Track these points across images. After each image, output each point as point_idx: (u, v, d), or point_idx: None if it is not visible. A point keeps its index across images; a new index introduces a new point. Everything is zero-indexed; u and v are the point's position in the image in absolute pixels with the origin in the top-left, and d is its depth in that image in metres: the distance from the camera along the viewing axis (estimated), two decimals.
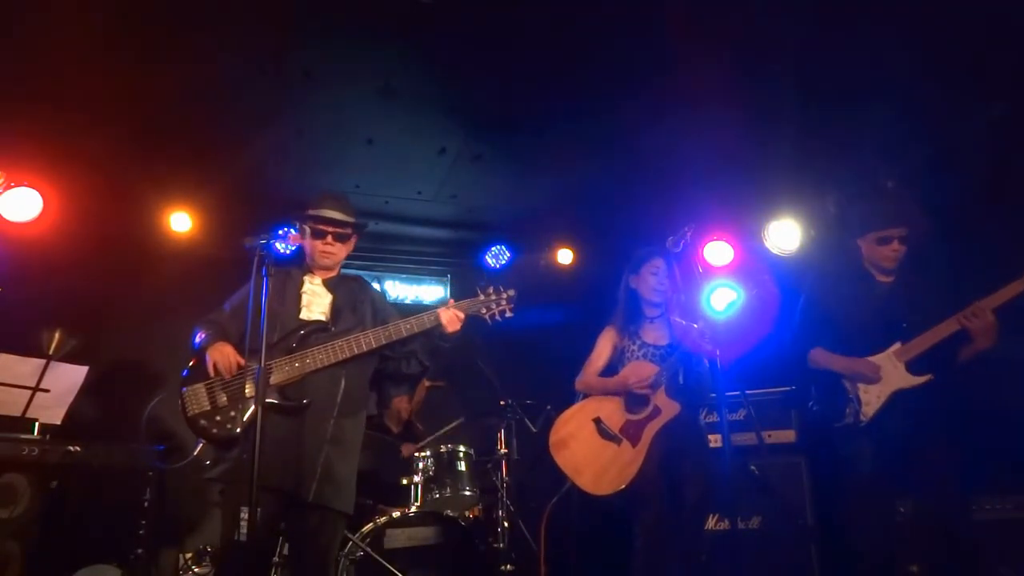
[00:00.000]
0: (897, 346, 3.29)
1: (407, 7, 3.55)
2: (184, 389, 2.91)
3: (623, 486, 3.38)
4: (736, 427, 4.37)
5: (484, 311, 3.11)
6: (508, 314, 3.12)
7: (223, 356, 2.88)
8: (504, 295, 3.13)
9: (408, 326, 3.00)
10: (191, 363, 2.97)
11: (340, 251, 3.18)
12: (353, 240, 3.25)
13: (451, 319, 3.03)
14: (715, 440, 4.55)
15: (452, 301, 3.11)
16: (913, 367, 3.25)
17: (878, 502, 3.27)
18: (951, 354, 3.23)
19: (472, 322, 3.12)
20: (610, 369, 3.70)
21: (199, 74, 4.05)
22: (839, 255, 3.71)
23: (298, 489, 2.80)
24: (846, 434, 3.33)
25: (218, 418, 2.86)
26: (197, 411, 2.88)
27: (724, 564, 4.14)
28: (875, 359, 3.31)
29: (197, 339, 3.00)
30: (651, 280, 3.66)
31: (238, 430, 2.82)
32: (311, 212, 3.13)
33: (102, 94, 4.09)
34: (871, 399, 3.27)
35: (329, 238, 3.13)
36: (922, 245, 3.45)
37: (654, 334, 3.66)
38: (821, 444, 3.60)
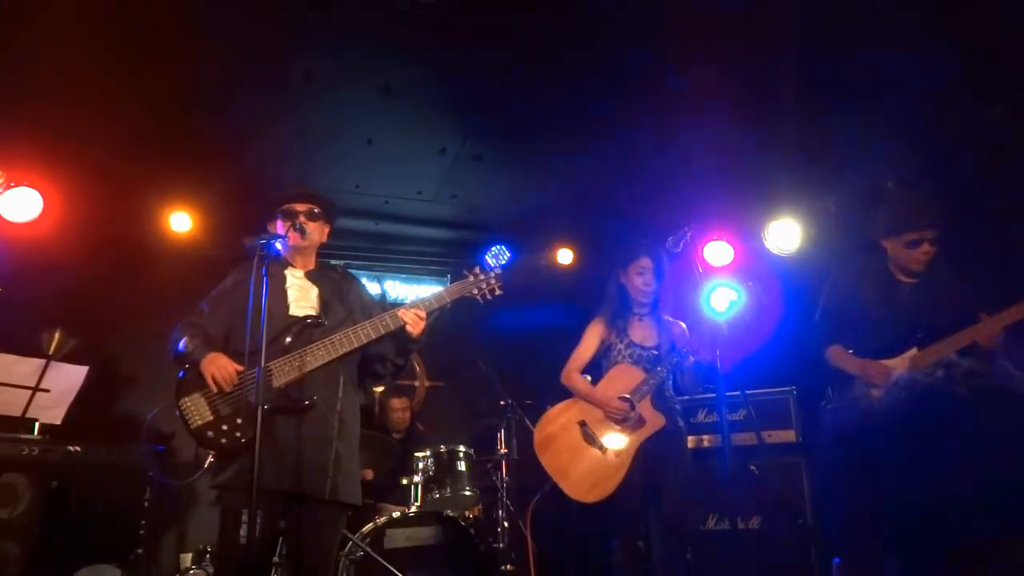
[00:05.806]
0: (913, 352, 3.23)
1: (407, 7, 3.55)
2: (182, 401, 2.82)
3: (606, 495, 3.36)
4: (736, 427, 4.37)
5: (476, 292, 3.09)
6: (498, 292, 3.11)
7: (220, 368, 2.80)
8: (492, 273, 3.12)
9: (401, 313, 2.98)
10: (181, 374, 2.87)
11: (314, 230, 3.14)
12: (325, 223, 3.19)
13: (413, 320, 2.97)
14: (714, 440, 4.58)
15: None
16: None
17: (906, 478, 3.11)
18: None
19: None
20: (594, 364, 3.67)
21: (200, 74, 4.05)
22: (863, 254, 3.57)
23: (314, 488, 2.77)
24: (861, 428, 3.25)
25: (224, 427, 2.79)
26: (201, 423, 2.79)
27: (724, 564, 4.15)
28: (890, 363, 3.24)
29: (180, 345, 2.91)
30: (637, 280, 3.63)
31: (246, 439, 2.76)
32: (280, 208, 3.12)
33: (102, 94, 4.10)
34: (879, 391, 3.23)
35: (301, 217, 3.09)
36: (948, 248, 3.32)
37: (642, 333, 3.64)
38: (835, 446, 3.48)
